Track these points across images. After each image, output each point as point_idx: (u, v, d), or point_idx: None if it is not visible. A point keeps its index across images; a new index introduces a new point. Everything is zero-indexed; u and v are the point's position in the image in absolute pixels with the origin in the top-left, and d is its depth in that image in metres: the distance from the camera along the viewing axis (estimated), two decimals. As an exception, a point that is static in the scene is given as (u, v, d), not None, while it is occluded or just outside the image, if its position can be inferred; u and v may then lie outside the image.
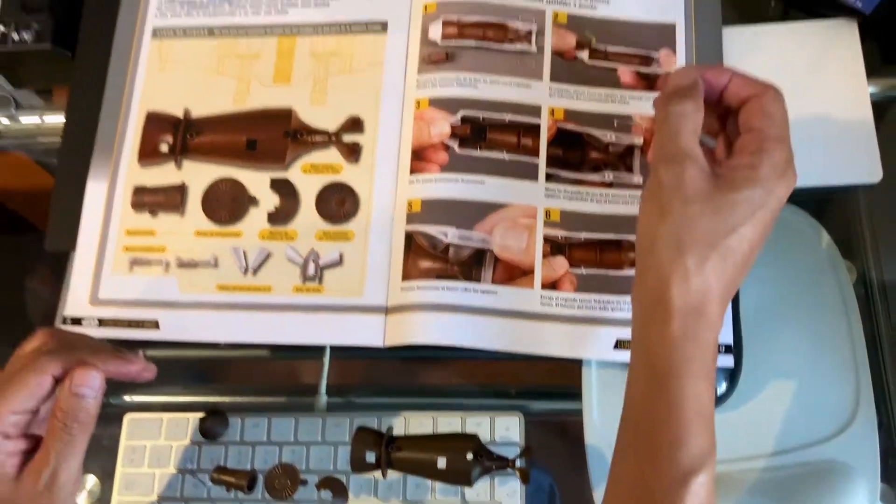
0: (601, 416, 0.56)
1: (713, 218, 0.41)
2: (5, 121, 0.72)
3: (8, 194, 0.75)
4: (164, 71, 0.65)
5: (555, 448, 0.59)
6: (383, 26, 0.63)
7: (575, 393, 0.57)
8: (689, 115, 0.43)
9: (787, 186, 0.43)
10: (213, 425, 0.58)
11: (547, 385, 0.62)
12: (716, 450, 0.41)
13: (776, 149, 0.42)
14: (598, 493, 0.55)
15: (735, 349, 0.55)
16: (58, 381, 0.47)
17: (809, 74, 0.61)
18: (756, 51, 0.62)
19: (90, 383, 0.47)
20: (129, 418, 0.61)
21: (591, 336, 0.55)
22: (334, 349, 0.60)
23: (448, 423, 0.57)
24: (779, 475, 0.54)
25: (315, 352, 0.60)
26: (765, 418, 0.55)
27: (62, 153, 0.65)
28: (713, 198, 0.41)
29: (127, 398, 0.64)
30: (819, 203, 0.62)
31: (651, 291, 0.42)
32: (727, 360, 0.55)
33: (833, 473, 0.53)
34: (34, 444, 0.47)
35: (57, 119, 0.70)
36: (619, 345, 0.55)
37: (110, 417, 0.62)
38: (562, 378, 0.60)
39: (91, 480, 0.61)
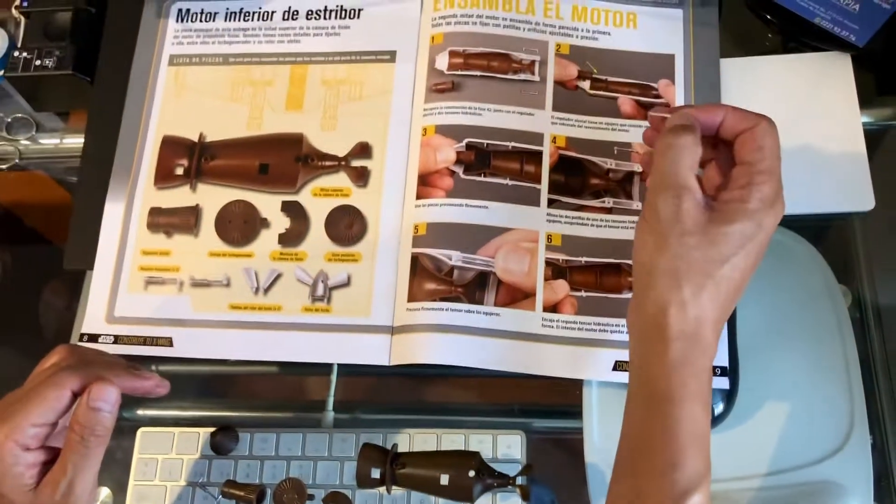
0: (601, 434, 0.57)
1: (708, 249, 0.43)
2: (26, 142, 0.74)
3: (27, 211, 0.77)
4: (180, 97, 0.67)
5: (556, 466, 0.60)
6: (392, 56, 0.65)
7: (576, 412, 0.59)
8: (687, 149, 0.45)
9: (775, 217, 0.44)
10: (223, 440, 0.59)
11: (548, 404, 0.64)
12: (710, 471, 0.43)
13: (765, 182, 0.44)
14: (597, 511, 0.56)
15: (731, 372, 0.56)
16: (76, 395, 0.49)
17: (804, 105, 0.62)
18: (752, 81, 0.63)
19: (106, 398, 0.48)
20: (142, 432, 0.62)
21: (590, 358, 0.57)
22: (341, 367, 0.62)
23: (451, 440, 0.59)
24: (773, 495, 0.55)
25: (323, 369, 0.62)
26: (760, 439, 0.56)
27: (81, 176, 0.67)
28: (707, 230, 0.43)
29: (140, 413, 0.66)
30: (815, 228, 0.63)
31: (649, 319, 0.44)
32: (723, 383, 0.56)
33: (827, 494, 0.54)
34: (52, 456, 0.49)
35: (75, 141, 0.72)
36: (617, 366, 0.57)
37: (124, 431, 0.63)
38: (563, 397, 0.62)
39: (104, 492, 0.62)
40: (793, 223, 0.60)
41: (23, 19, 0.71)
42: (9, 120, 0.74)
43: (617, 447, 0.46)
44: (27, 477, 0.48)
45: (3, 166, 0.73)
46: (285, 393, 0.68)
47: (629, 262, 0.59)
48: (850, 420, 0.56)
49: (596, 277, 0.59)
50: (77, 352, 0.52)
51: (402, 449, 0.58)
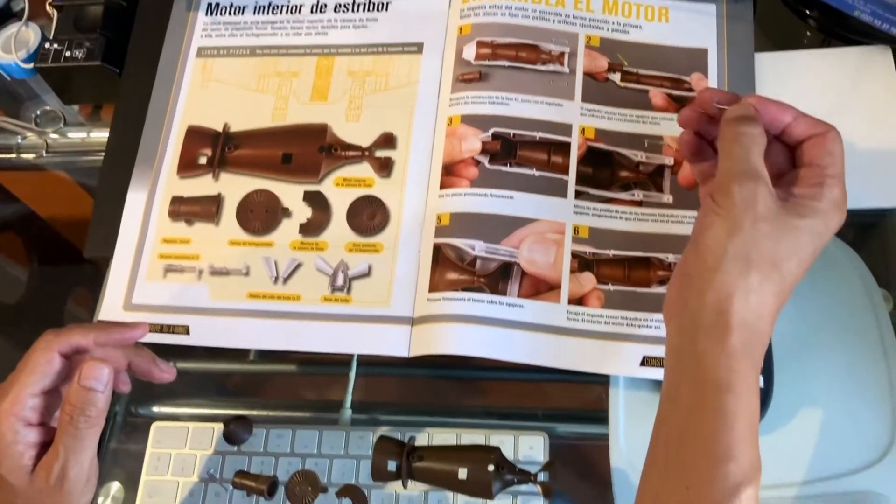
0: (628, 438, 0.55)
1: (780, 240, 0.42)
2: (54, 135, 0.75)
3: (52, 215, 0.78)
4: (206, 88, 0.67)
5: (579, 471, 0.58)
6: (419, 48, 0.65)
7: (601, 417, 0.57)
8: (758, 139, 0.45)
9: (839, 222, 0.45)
10: (236, 429, 0.58)
11: (573, 408, 0.62)
12: (761, 467, 0.41)
13: (835, 185, 0.44)
14: (623, 517, 0.54)
15: (765, 370, 0.54)
16: (65, 357, 0.49)
17: (843, 100, 0.61)
18: (789, 76, 0.62)
19: (98, 376, 0.47)
20: (155, 426, 0.61)
21: (617, 352, 0.55)
22: (360, 366, 0.60)
23: (471, 439, 0.57)
24: (811, 504, 0.52)
25: (341, 368, 0.61)
26: (798, 446, 0.54)
27: (105, 164, 0.67)
28: (781, 220, 0.43)
29: (155, 409, 0.65)
30: (855, 232, 0.61)
31: (711, 305, 0.42)
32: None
33: (868, 504, 0.51)
34: (52, 439, 0.48)
35: (102, 135, 0.72)
36: (645, 361, 0.55)
37: (138, 426, 0.63)
38: (587, 402, 0.60)
39: (115, 487, 0.61)
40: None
41: (55, 13, 0.71)
42: (37, 112, 0.75)
43: (651, 441, 0.44)
44: (26, 458, 0.47)
45: (31, 157, 0.74)
46: (303, 393, 0.67)
47: (659, 255, 0.57)
48: (893, 429, 0.54)
49: (624, 271, 0.57)
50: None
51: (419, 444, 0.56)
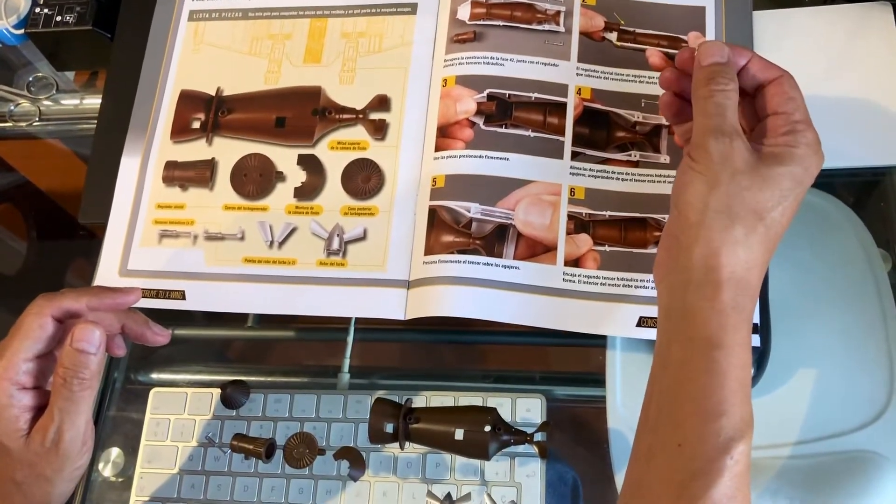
0: (624, 400, 0.56)
1: (761, 190, 0.42)
2: (48, 102, 0.74)
3: (47, 183, 0.77)
4: (199, 52, 0.66)
5: (576, 433, 0.58)
6: (413, 8, 0.64)
7: (598, 380, 0.57)
8: (732, 94, 0.45)
9: (818, 165, 0.44)
10: (233, 393, 0.58)
11: (571, 372, 0.62)
12: (753, 422, 0.41)
13: (807, 129, 0.44)
14: (620, 477, 0.54)
15: (762, 330, 0.54)
16: (58, 321, 0.49)
17: (843, 58, 0.60)
18: (788, 34, 0.61)
19: (90, 338, 0.47)
20: (154, 392, 0.61)
21: (613, 313, 0.55)
22: (358, 331, 0.60)
23: (469, 402, 0.57)
24: (808, 463, 0.52)
25: (339, 333, 0.61)
26: (795, 405, 0.54)
27: (99, 130, 0.66)
28: (759, 170, 0.43)
29: (154, 376, 0.65)
30: (854, 192, 0.61)
31: (699, 261, 0.42)
32: (754, 340, 0.53)
33: (864, 463, 0.51)
34: (47, 402, 0.48)
35: (95, 102, 0.72)
36: (641, 322, 0.54)
37: (137, 393, 0.63)
38: (585, 365, 0.60)
39: (115, 453, 0.61)
40: (831, 185, 0.58)
41: (45, -23, 0.71)
42: (30, 79, 0.74)
43: (644, 400, 0.44)
44: (21, 421, 0.47)
45: (24, 125, 0.73)
46: (301, 359, 0.67)
47: (655, 216, 0.57)
48: (890, 388, 0.54)
49: (620, 232, 0.56)
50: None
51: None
